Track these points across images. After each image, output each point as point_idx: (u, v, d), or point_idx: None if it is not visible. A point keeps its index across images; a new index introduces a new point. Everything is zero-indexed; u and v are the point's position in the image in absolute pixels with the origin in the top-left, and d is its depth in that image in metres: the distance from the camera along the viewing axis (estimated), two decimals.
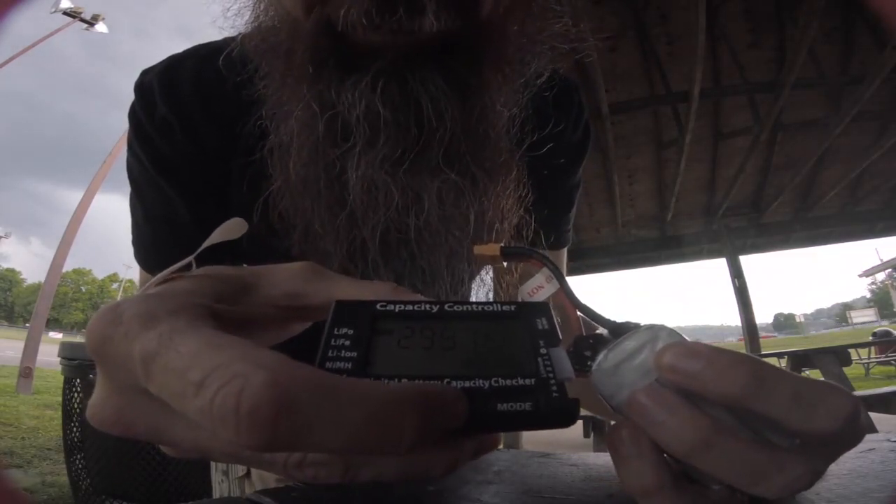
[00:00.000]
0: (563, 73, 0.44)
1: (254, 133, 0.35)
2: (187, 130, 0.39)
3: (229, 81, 0.37)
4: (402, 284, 0.31)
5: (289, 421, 0.12)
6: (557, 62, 0.35)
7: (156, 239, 0.43)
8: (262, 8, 0.34)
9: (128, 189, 0.44)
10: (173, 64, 0.41)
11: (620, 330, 0.21)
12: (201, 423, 0.13)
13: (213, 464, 0.64)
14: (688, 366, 0.17)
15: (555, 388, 0.17)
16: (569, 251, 0.58)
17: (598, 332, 0.22)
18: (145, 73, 0.41)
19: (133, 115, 0.40)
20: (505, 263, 0.25)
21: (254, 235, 0.29)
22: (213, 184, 0.40)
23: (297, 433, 0.12)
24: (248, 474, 0.55)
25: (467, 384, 0.16)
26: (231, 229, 0.24)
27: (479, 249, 0.26)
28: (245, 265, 0.21)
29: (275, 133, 0.33)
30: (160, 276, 0.20)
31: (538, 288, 0.26)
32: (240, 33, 0.37)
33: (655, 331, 0.20)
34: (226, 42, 0.39)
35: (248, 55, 0.36)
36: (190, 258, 0.21)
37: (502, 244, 0.25)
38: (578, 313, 0.24)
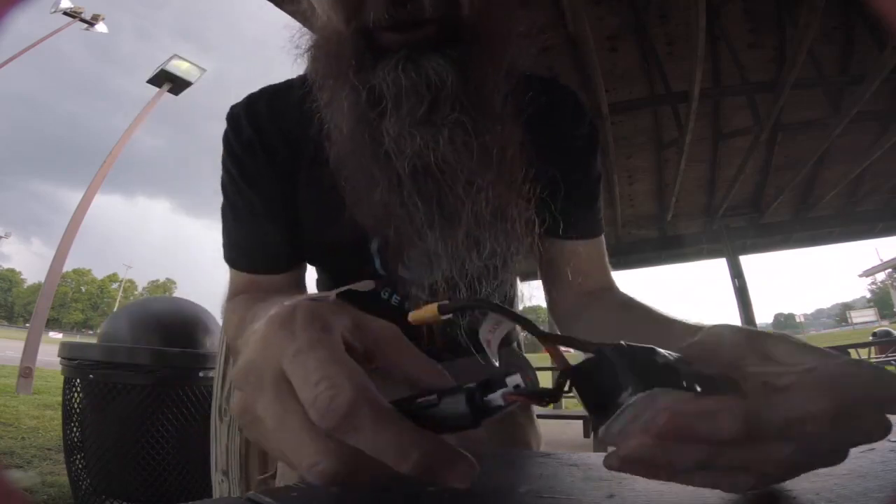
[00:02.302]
0: (561, 83, 0.56)
1: (313, 145, 0.47)
2: (266, 148, 0.51)
3: (291, 101, 0.50)
4: (426, 217, 0.42)
5: (348, 423, 0.19)
6: (530, 45, 0.46)
7: (243, 238, 0.54)
8: (315, 29, 0.46)
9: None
10: (253, 99, 0.54)
11: (603, 356, 0.22)
12: (304, 404, 0.20)
13: (212, 464, 0.66)
14: (639, 455, 0.21)
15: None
16: None
17: (585, 359, 0.23)
18: (233, 107, 0.54)
19: (225, 137, 0.52)
20: (444, 318, 0.25)
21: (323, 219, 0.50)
22: (285, 188, 0.51)
23: (350, 431, 0.19)
24: (273, 475, 0.62)
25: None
26: (362, 285, 0.33)
27: (415, 315, 0.25)
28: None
29: (330, 119, 0.44)
30: (313, 295, 0.27)
31: (495, 325, 0.27)
32: (298, 75, 0.50)
33: (652, 397, 0.21)
34: (287, 81, 0.53)
35: (305, 77, 0.47)
36: (333, 293, 0.28)
37: (440, 303, 0.25)
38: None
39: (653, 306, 0.47)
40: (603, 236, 0.61)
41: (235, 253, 0.55)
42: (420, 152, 0.39)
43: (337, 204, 0.46)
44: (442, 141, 0.39)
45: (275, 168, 0.51)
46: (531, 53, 0.46)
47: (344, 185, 0.45)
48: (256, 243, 0.53)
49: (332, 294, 0.27)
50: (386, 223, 0.43)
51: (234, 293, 0.55)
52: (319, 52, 0.45)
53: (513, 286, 0.63)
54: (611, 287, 0.58)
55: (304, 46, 0.47)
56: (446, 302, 0.25)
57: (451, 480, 0.20)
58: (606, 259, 0.60)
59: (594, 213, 0.59)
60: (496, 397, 0.22)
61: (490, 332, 0.26)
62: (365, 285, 0.32)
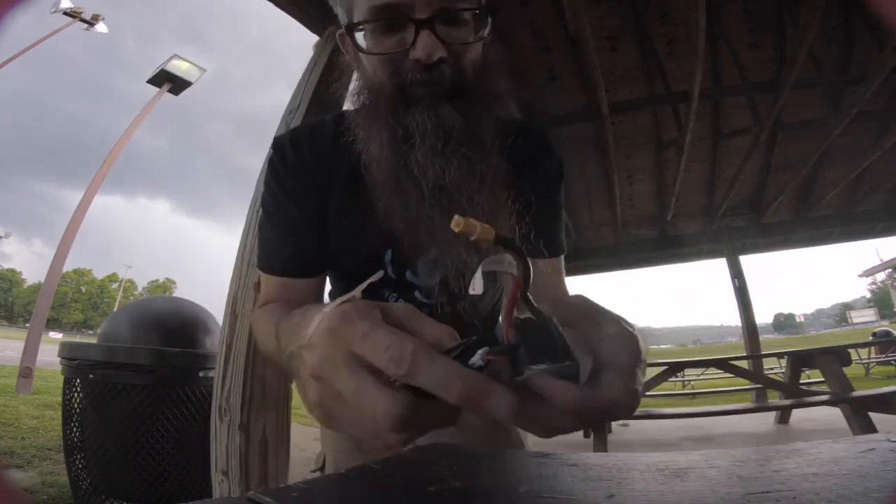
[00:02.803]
0: (535, 127, 0.72)
1: (345, 171, 0.61)
2: (306, 170, 0.62)
3: (327, 136, 0.63)
4: (440, 223, 0.54)
5: (414, 366, 0.26)
6: (513, 99, 0.61)
7: (281, 246, 0.63)
8: (363, 80, 0.59)
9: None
10: (296, 132, 0.68)
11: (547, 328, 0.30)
12: (382, 366, 0.27)
13: (212, 464, 0.69)
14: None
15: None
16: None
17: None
18: (278, 137, 0.66)
19: (271, 162, 0.64)
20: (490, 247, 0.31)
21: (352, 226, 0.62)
22: (319, 206, 0.62)
23: (415, 373, 0.26)
24: (322, 468, 0.75)
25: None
26: (374, 277, 0.40)
27: (464, 224, 0.30)
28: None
29: (366, 152, 0.57)
30: (346, 297, 0.33)
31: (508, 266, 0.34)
32: (338, 112, 0.66)
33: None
34: (322, 118, 0.67)
35: (341, 118, 0.63)
36: (358, 290, 0.35)
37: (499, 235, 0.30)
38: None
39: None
40: (563, 256, 0.73)
41: (273, 258, 0.64)
42: (438, 176, 0.53)
43: (362, 222, 0.60)
44: (452, 168, 0.53)
45: (312, 188, 0.62)
46: (513, 107, 0.63)
47: (377, 202, 0.57)
48: (293, 250, 0.62)
49: (358, 292, 0.34)
50: (413, 229, 0.55)
51: (264, 301, 0.63)
52: (364, 98, 0.58)
53: (501, 296, 0.73)
54: (561, 298, 0.68)
55: (351, 94, 0.61)
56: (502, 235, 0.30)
57: (492, 409, 0.25)
58: (563, 274, 0.73)
59: (557, 235, 0.71)
60: (476, 360, 0.28)
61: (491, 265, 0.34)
62: (377, 276, 0.39)
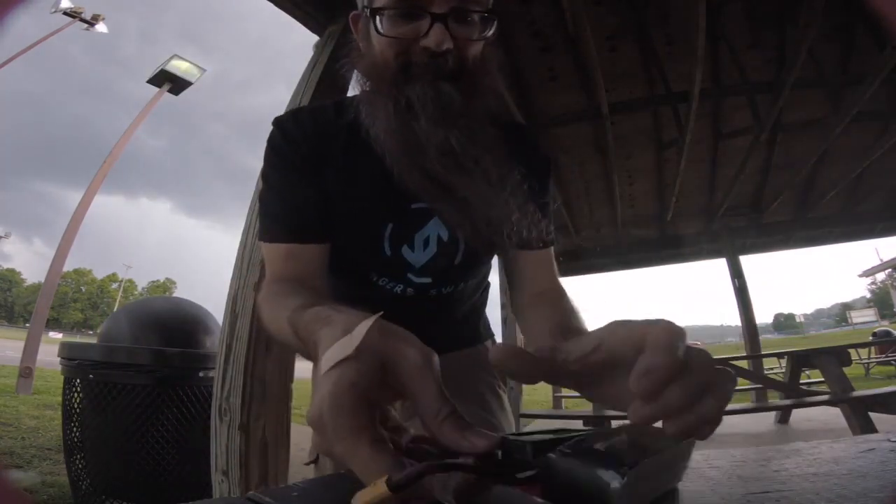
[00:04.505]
0: (523, 124, 0.80)
1: (344, 145, 0.65)
2: (307, 143, 0.64)
3: (328, 115, 0.67)
4: (449, 173, 0.57)
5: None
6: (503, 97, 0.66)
7: (283, 212, 0.63)
8: (365, 56, 0.62)
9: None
10: (297, 111, 0.70)
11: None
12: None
13: (212, 464, 0.69)
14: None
15: None
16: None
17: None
18: (278, 117, 0.68)
19: (273, 137, 0.65)
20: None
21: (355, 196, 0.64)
22: (320, 177, 0.64)
23: None
24: (316, 459, 0.72)
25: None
26: (369, 323, 0.31)
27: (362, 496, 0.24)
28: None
29: (373, 125, 0.59)
30: (335, 356, 0.29)
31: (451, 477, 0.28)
32: (337, 99, 0.69)
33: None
34: (323, 103, 0.70)
35: (341, 103, 0.67)
36: (363, 331, 0.29)
37: (391, 479, 0.24)
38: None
39: (573, 316, 0.59)
40: (552, 249, 0.72)
41: (277, 226, 0.63)
42: (442, 141, 0.56)
43: (365, 194, 0.64)
44: (455, 135, 0.56)
45: (313, 158, 0.64)
46: (502, 99, 0.67)
47: (390, 163, 0.60)
48: (296, 215, 0.62)
49: (362, 332, 0.29)
50: (422, 186, 0.59)
51: (270, 279, 0.62)
52: (368, 77, 0.62)
53: (484, 289, 0.81)
54: (555, 290, 0.68)
55: (356, 72, 0.64)
56: (399, 476, 0.23)
57: None
58: (555, 267, 0.72)
59: (549, 225, 0.71)
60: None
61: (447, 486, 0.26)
62: (372, 322, 0.31)
